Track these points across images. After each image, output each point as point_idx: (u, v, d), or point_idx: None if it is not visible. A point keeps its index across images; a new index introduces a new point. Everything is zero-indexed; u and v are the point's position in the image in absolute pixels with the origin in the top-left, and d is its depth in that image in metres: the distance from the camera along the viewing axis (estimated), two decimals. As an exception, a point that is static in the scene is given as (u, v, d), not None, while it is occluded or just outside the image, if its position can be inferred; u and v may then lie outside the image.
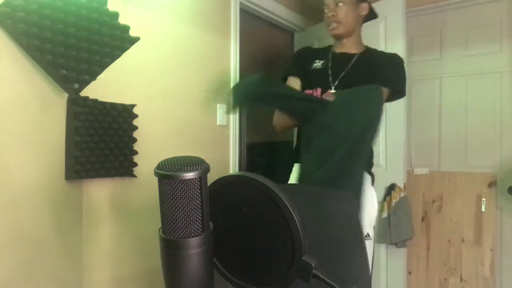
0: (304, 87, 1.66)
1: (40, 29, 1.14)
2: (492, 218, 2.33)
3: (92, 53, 1.28)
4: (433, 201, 2.54)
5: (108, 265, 1.46)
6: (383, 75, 1.58)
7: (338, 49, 1.70)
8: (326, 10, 1.62)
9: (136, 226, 1.55)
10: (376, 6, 2.42)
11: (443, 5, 2.51)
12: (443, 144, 2.55)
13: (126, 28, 1.39)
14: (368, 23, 2.56)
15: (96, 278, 1.41)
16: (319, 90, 1.60)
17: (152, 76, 1.65)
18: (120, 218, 1.50)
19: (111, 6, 1.35)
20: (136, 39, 1.43)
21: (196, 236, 0.53)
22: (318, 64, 1.68)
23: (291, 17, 2.68)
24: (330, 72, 1.62)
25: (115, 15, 1.35)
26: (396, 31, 2.30)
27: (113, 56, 1.37)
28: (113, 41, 1.35)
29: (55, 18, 1.17)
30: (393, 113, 2.33)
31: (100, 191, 1.43)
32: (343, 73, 1.61)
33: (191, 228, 0.52)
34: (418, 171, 2.60)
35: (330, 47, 1.76)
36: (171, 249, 0.53)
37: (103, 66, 1.34)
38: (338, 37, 1.67)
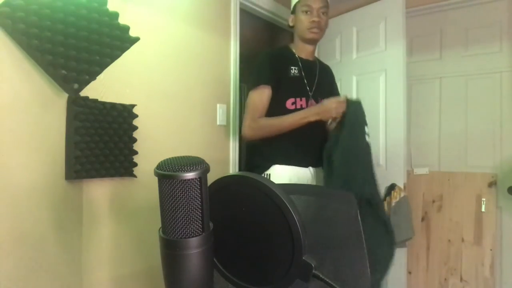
0: (281, 94, 1.68)
1: (40, 29, 1.14)
2: (492, 218, 2.32)
3: (92, 53, 1.28)
4: (433, 201, 2.54)
5: (108, 265, 1.46)
6: (336, 92, 1.88)
7: (303, 55, 1.77)
8: (307, 12, 1.68)
9: (136, 226, 1.55)
10: (376, 6, 2.43)
11: (443, 5, 2.51)
12: (443, 144, 2.55)
13: (126, 28, 1.39)
14: (368, 23, 2.57)
15: (96, 277, 1.41)
16: (304, 99, 1.70)
17: (152, 76, 1.65)
18: (120, 218, 1.50)
19: (111, 6, 1.35)
20: (136, 39, 1.43)
21: (196, 236, 0.53)
22: (295, 71, 1.71)
23: (291, 17, 2.68)
24: (306, 81, 1.72)
25: (115, 15, 1.35)
26: (396, 31, 2.30)
27: (113, 56, 1.37)
28: (113, 41, 1.35)
29: (55, 18, 1.17)
30: (393, 113, 2.34)
31: (100, 191, 1.43)
32: (316, 81, 1.74)
33: (191, 228, 0.52)
34: (418, 171, 2.60)
35: (290, 50, 1.79)
36: (171, 249, 0.53)
37: (103, 66, 1.34)
38: (313, 42, 1.75)
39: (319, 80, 1.75)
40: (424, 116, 2.61)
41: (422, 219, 2.57)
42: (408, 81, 2.43)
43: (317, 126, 1.66)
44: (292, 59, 1.74)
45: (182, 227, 0.52)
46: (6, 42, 1.12)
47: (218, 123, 2.03)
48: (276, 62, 1.72)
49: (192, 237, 0.52)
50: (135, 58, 1.52)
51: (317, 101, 1.72)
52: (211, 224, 0.55)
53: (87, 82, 1.30)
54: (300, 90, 1.69)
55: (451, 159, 2.51)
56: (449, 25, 2.52)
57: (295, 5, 1.76)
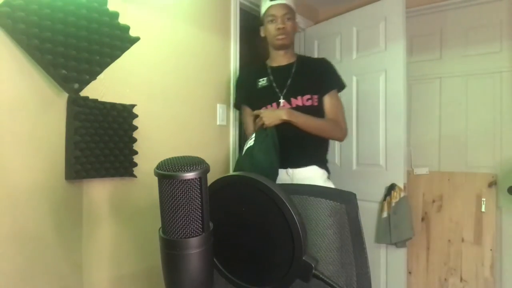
0: (254, 107, 1.82)
1: (40, 29, 1.14)
2: (492, 218, 2.33)
3: (92, 53, 1.28)
4: (433, 201, 2.54)
5: (108, 265, 1.46)
6: (329, 80, 1.85)
7: (275, 63, 1.88)
8: (273, 21, 1.80)
9: (136, 226, 1.55)
10: (376, 6, 2.43)
11: (443, 5, 2.51)
12: (443, 144, 2.55)
13: (126, 28, 1.39)
14: (368, 23, 2.58)
15: (96, 277, 1.41)
16: (274, 104, 1.78)
17: (152, 76, 1.65)
18: (120, 218, 1.50)
19: (111, 6, 1.34)
20: (136, 39, 1.43)
21: (196, 236, 0.53)
22: (263, 82, 1.85)
23: (291, 17, 2.67)
24: (275, 85, 1.82)
25: (115, 15, 1.35)
26: (396, 31, 2.30)
27: (113, 56, 1.37)
28: (113, 41, 1.35)
29: (55, 18, 1.17)
30: (393, 113, 2.34)
31: (100, 191, 1.43)
32: (289, 82, 1.80)
33: (191, 228, 0.52)
34: (418, 171, 2.60)
35: (263, 63, 1.93)
36: (171, 249, 0.53)
37: (103, 66, 1.34)
38: (283, 48, 1.84)
39: (294, 80, 1.80)
40: (424, 116, 2.61)
41: (422, 219, 2.57)
42: (408, 81, 2.43)
43: (290, 128, 1.68)
44: (262, 72, 1.87)
45: (182, 227, 0.52)
46: (6, 42, 1.12)
47: (218, 123, 2.03)
48: (242, 83, 1.95)
49: (192, 237, 0.52)
50: (135, 58, 1.52)
51: (289, 102, 1.77)
52: (211, 224, 0.55)
53: (87, 82, 1.30)
54: (270, 98, 1.79)
55: (451, 159, 2.51)
56: (449, 25, 2.52)
57: (262, 17, 1.88)
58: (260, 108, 1.79)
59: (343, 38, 2.65)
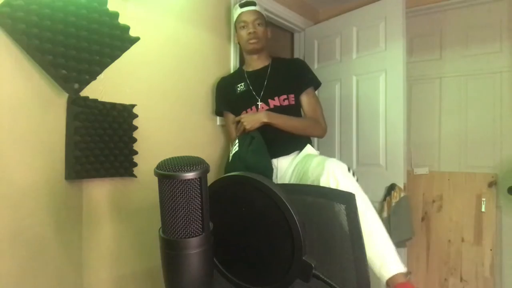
0: (236, 112, 1.88)
1: (40, 29, 1.14)
2: (492, 218, 2.32)
3: (92, 53, 1.28)
4: (433, 201, 2.54)
5: (108, 265, 1.46)
6: (304, 79, 1.90)
7: (251, 68, 1.94)
8: (244, 27, 1.86)
9: (136, 226, 1.55)
10: (376, 6, 2.43)
11: (443, 5, 2.51)
12: (443, 144, 2.55)
13: (126, 28, 1.39)
14: (368, 23, 2.57)
15: (96, 277, 1.41)
16: (253, 107, 1.84)
17: (152, 76, 1.65)
18: (120, 218, 1.50)
19: (111, 6, 1.34)
20: (136, 39, 1.43)
21: (196, 236, 0.53)
22: (241, 87, 1.91)
23: (291, 17, 2.68)
24: (251, 88, 1.87)
25: (115, 15, 1.35)
26: (396, 31, 2.30)
27: (113, 56, 1.37)
28: (113, 41, 1.35)
29: (55, 18, 1.17)
30: (393, 113, 2.34)
31: (100, 191, 1.43)
32: (265, 84, 1.86)
33: (191, 228, 0.52)
34: (418, 171, 2.60)
35: (241, 69, 1.99)
36: (171, 249, 0.53)
37: (103, 66, 1.34)
38: (255, 52, 1.90)
39: (269, 81, 1.86)
40: (424, 116, 2.60)
41: (422, 219, 2.57)
42: (408, 81, 2.43)
43: (270, 127, 1.74)
44: (239, 78, 1.93)
45: (182, 227, 0.52)
46: (6, 42, 1.12)
47: (218, 123, 2.04)
48: (221, 90, 1.96)
49: (192, 237, 0.52)
50: (135, 58, 1.52)
51: (267, 103, 1.82)
52: (211, 224, 0.55)
53: (87, 82, 1.30)
54: (249, 101, 1.85)
55: (451, 159, 2.51)
56: (449, 25, 2.52)
57: (234, 24, 1.94)
58: (240, 112, 1.85)
59: (343, 38, 2.65)
